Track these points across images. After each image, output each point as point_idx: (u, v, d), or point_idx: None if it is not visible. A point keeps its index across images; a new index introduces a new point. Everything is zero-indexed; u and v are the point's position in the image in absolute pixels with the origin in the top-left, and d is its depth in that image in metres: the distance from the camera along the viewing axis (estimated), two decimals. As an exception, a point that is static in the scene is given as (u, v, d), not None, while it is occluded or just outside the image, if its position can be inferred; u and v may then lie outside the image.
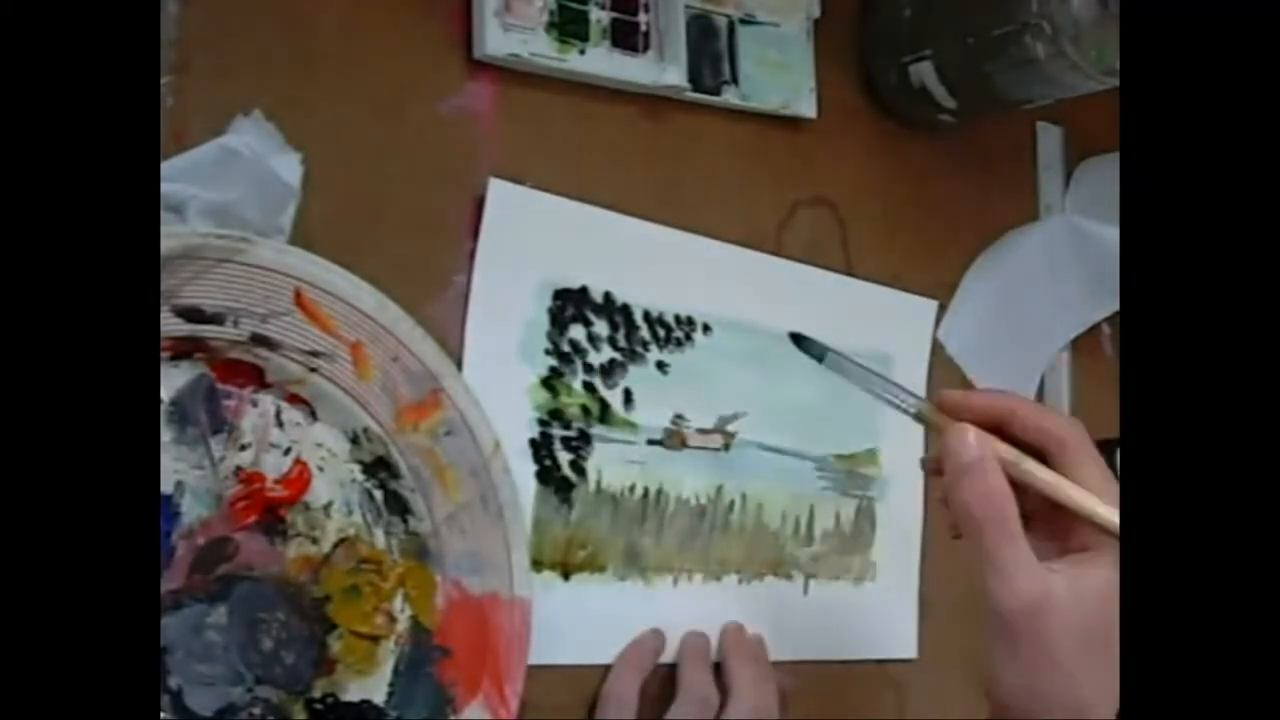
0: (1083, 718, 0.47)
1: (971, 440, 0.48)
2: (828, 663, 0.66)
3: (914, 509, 0.70)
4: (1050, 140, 0.79)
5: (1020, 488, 0.48)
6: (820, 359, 0.55)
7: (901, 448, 0.70)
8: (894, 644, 0.69)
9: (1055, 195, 0.78)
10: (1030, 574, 0.47)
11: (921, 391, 0.71)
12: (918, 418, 0.51)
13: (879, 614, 0.69)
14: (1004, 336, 0.74)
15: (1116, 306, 0.77)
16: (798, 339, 0.56)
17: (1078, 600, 0.47)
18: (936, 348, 0.72)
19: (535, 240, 0.58)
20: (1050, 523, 0.49)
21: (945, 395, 0.51)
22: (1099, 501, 0.48)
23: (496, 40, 0.56)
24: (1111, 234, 0.76)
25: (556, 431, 0.58)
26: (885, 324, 0.70)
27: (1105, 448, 0.78)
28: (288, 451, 0.50)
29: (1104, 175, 0.78)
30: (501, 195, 0.56)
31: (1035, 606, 0.46)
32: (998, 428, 0.49)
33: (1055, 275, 0.76)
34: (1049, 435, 0.49)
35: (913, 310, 0.71)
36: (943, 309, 0.73)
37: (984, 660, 0.49)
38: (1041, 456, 0.49)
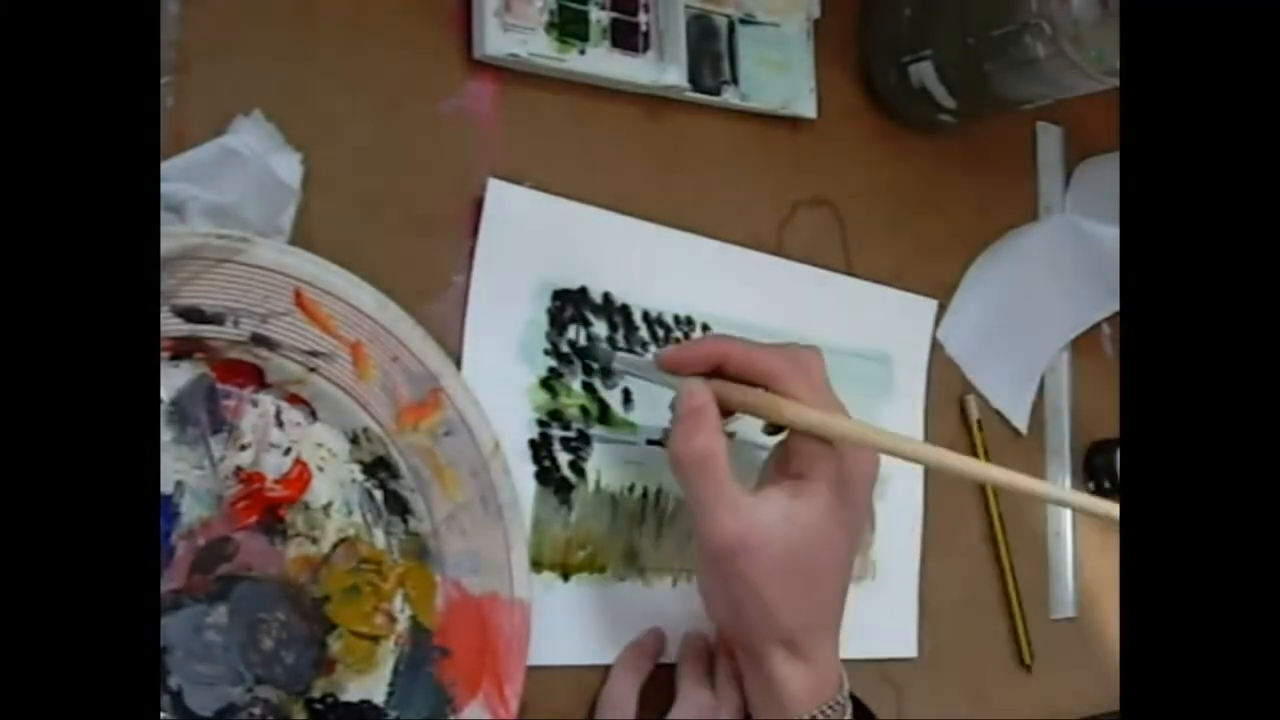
0: (785, 640, 0.52)
1: (689, 390, 0.52)
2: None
3: (913, 509, 0.70)
4: (1050, 140, 0.79)
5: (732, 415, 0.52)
6: (609, 366, 0.59)
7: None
8: (894, 643, 0.69)
9: (1055, 195, 0.78)
10: (734, 513, 0.50)
11: (921, 391, 0.71)
12: (659, 380, 0.55)
13: (879, 613, 0.69)
14: (1004, 336, 0.74)
15: (1116, 306, 0.77)
16: (578, 350, 0.59)
17: (786, 531, 0.50)
18: (936, 347, 0.72)
19: (534, 240, 0.58)
20: (774, 456, 0.53)
21: (662, 353, 0.55)
22: (809, 411, 0.51)
23: (496, 40, 0.56)
24: (1111, 234, 0.76)
25: (556, 432, 0.58)
26: (885, 323, 0.70)
27: (1105, 448, 0.78)
28: (288, 451, 0.50)
29: (1104, 175, 0.78)
30: (500, 195, 0.56)
31: (737, 545, 0.50)
32: (716, 372, 0.53)
33: (1055, 275, 0.76)
34: (760, 369, 0.52)
35: (913, 310, 0.71)
36: (942, 309, 0.73)
37: (699, 591, 0.54)
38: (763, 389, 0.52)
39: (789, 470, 0.52)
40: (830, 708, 0.53)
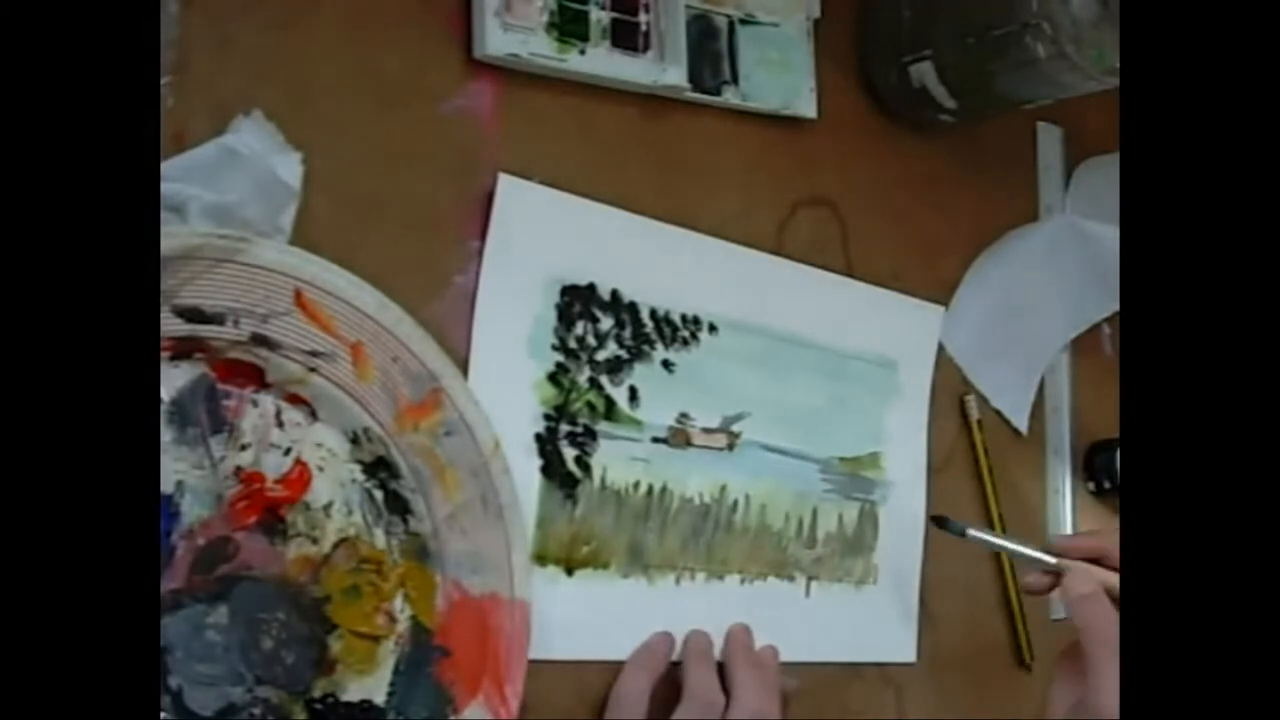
0: None
1: (1083, 575, 0.60)
2: (828, 665, 0.66)
3: (916, 514, 0.70)
4: (1050, 140, 0.79)
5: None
6: (962, 535, 0.65)
7: (904, 453, 0.70)
8: (893, 647, 0.69)
9: (1055, 195, 0.78)
10: None
11: (926, 396, 0.71)
12: (1054, 567, 0.62)
13: (879, 617, 0.69)
14: (1004, 336, 0.74)
15: (1116, 306, 0.77)
16: (939, 521, 0.66)
17: None
18: (937, 348, 0.72)
19: (544, 236, 0.58)
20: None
21: (1057, 541, 0.64)
22: None
23: (496, 40, 0.56)
24: (1111, 234, 0.76)
25: (563, 427, 0.58)
26: (891, 329, 0.70)
27: (1105, 448, 0.78)
28: (288, 451, 0.50)
29: (1104, 175, 0.78)
30: (511, 191, 0.56)
31: None
32: (1095, 561, 0.60)
33: (1055, 275, 0.76)
34: None
35: (918, 315, 0.71)
36: (943, 309, 0.73)
37: None
38: None
39: None
40: None
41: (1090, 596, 0.59)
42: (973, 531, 0.64)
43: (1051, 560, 0.62)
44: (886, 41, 0.69)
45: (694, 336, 0.63)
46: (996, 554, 0.73)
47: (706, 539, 0.62)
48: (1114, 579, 0.60)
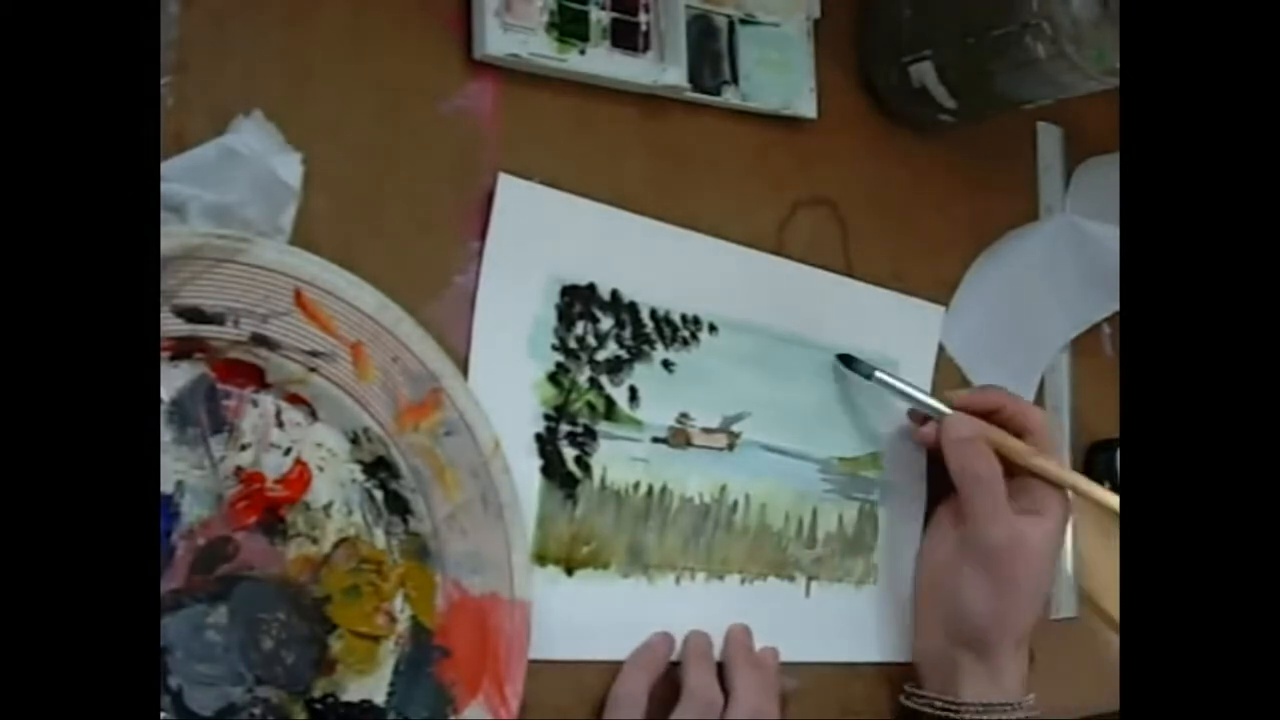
0: (1017, 637, 0.63)
1: (965, 421, 0.65)
2: (828, 665, 0.66)
3: (916, 513, 0.70)
4: (1050, 140, 0.79)
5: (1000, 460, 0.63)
6: (868, 377, 0.66)
7: (904, 452, 0.70)
8: (893, 647, 0.69)
9: (1055, 195, 0.78)
10: (1008, 524, 0.63)
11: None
12: (938, 412, 0.66)
13: (879, 617, 0.69)
14: (1004, 336, 0.74)
15: (1116, 306, 0.77)
16: (846, 360, 0.67)
17: (1034, 548, 0.63)
18: (937, 348, 0.72)
19: (544, 236, 0.58)
20: (1015, 490, 0.64)
21: (952, 395, 0.67)
22: (1056, 465, 0.66)
23: (496, 40, 0.56)
24: (1111, 234, 0.76)
25: (562, 427, 0.58)
26: (891, 328, 0.70)
27: (1105, 448, 0.78)
28: (288, 451, 0.50)
29: (1104, 175, 0.78)
30: (511, 191, 0.56)
31: (1007, 548, 0.62)
32: (986, 416, 0.65)
33: (1055, 275, 0.76)
34: (1023, 422, 0.65)
35: (919, 315, 0.71)
36: (943, 309, 0.73)
37: (953, 593, 0.64)
38: (1018, 436, 0.65)
39: (1026, 504, 0.64)
40: (1027, 701, 0.64)
41: (967, 440, 0.64)
42: (879, 374, 0.66)
43: (948, 410, 0.66)
44: (886, 41, 0.69)
45: (694, 336, 0.63)
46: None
47: (706, 539, 0.62)
48: (995, 432, 0.64)
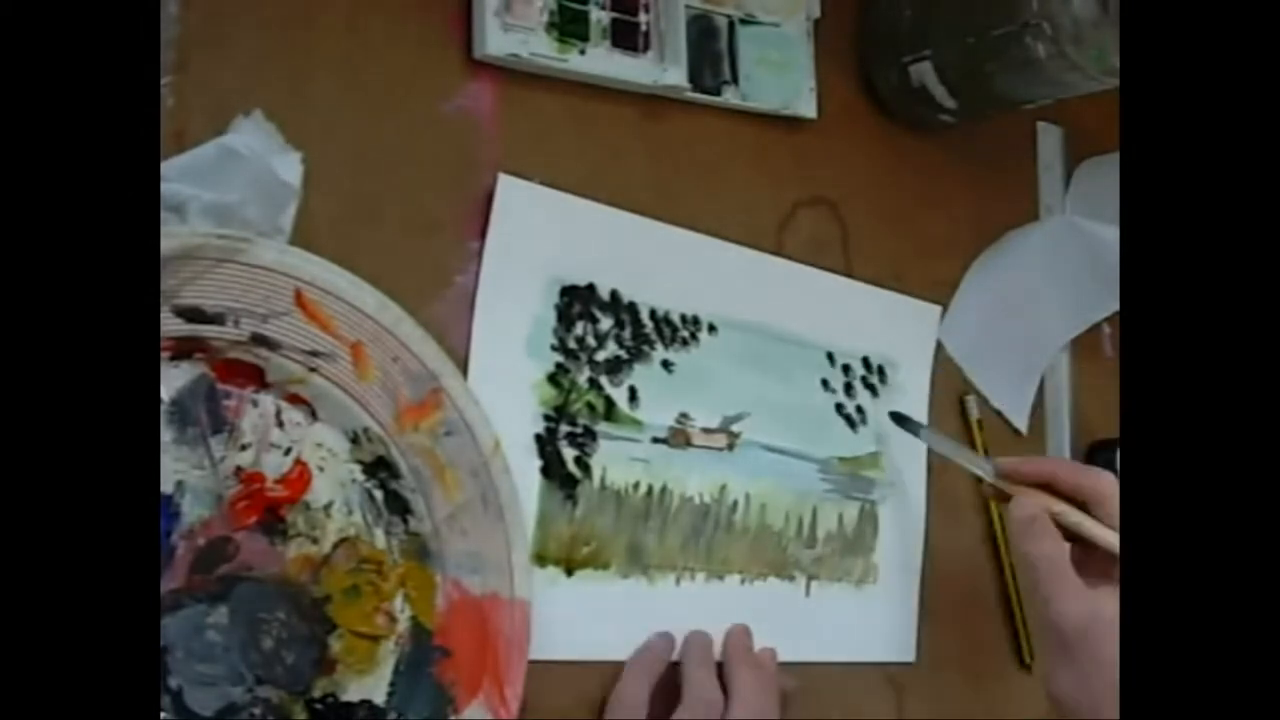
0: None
1: (1027, 501, 0.61)
2: (828, 665, 0.66)
3: (916, 513, 0.70)
4: (1050, 140, 0.79)
5: (1070, 535, 0.60)
6: (916, 434, 0.66)
7: (904, 452, 0.70)
8: (893, 647, 0.69)
9: (1055, 195, 0.78)
10: (1081, 600, 0.58)
11: (925, 396, 0.71)
12: (991, 487, 0.64)
13: (879, 617, 0.69)
14: (1004, 336, 0.74)
15: (1116, 306, 0.77)
16: (898, 419, 0.67)
17: (1113, 617, 0.58)
18: (937, 347, 0.72)
19: (544, 236, 0.58)
20: (1098, 560, 0.60)
21: (1002, 463, 0.64)
22: (1113, 535, 0.60)
23: (496, 40, 0.56)
24: (1111, 234, 0.76)
25: (562, 427, 0.58)
26: (888, 328, 0.70)
27: (1105, 448, 0.78)
28: (288, 451, 0.50)
29: (1104, 175, 0.78)
30: (511, 191, 0.56)
31: (1086, 625, 0.58)
32: (1045, 486, 0.62)
33: (1055, 275, 0.76)
34: (1088, 489, 0.61)
35: (916, 315, 0.71)
36: (942, 309, 0.73)
37: (1046, 674, 0.60)
38: (1083, 507, 0.61)
39: (1092, 573, 0.60)
40: None
41: (1029, 520, 0.61)
42: (927, 431, 0.67)
43: (989, 473, 0.64)
44: (886, 41, 0.69)
45: (694, 336, 0.63)
46: (997, 554, 0.73)
47: (706, 539, 0.62)
48: (1057, 504, 0.61)
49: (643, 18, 0.61)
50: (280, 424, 0.50)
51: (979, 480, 0.68)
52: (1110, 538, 0.60)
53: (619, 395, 0.60)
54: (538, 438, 0.57)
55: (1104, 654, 0.57)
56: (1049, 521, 0.61)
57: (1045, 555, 0.60)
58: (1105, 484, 0.61)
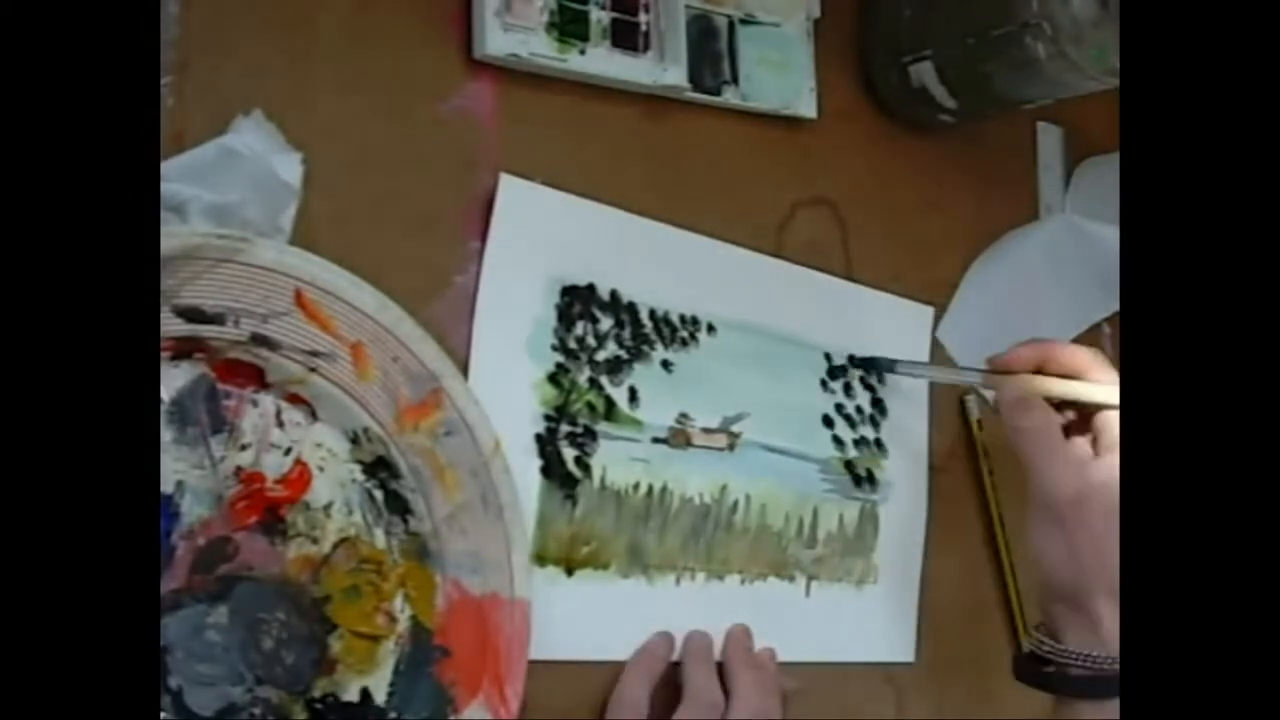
0: (1109, 586, 0.57)
1: (1016, 384, 0.62)
2: (828, 665, 0.66)
3: (916, 513, 0.70)
4: (1050, 140, 0.79)
5: (1061, 406, 0.61)
6: (892, 370, 0.67)
7: (904, 453, 0.70)
8: (893, 647, 0.69)
9: (1055, 195, 0.78)
10: (1075, 470, 0.58)
11: (924, 395, 0.71)
12: (946, 379, 0.66)
13: (879, 617, 0.69)
14: (1004, 336, 0.74)
15: (1116, 306, 0.77)
16: (865, 363, 0.67)
17: (1112, 489, 0.57)
18: (936, 347, 0.72)
19: (544, 236, 0.58)
20: (1086, 430, 0.60)
21: (992, 358, 0.64)
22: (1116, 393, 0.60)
23: (496, 40, 0.56)
24: (1111, 234, 0.76)
25: (562, 427, 0.58)
26: (887, 329, 0.70)
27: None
28: (288, 451, 0.50)
29: (1104, 175, 0.78)
30: (511, 191, 0.56)
31: (1078, 496, 0.58)
32: (1039, 368, 0.62)
33: (1055, 275, 0.76)
34: (1076, 364, 0.61)
35: (910, 316, 0.71)
36: (942, 309, 0.73)
37: (1035, 555, 0.60)
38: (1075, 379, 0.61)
39: (1101, 442, 0.60)
40: None
41: (1015, 401, 0.61)
42: (901, 363, 0.67)
43: (983, 379, 0.64)
44: (886, 41, 0.69)
45: (693, 337, 0.63)
46: (997, 554, 0.73)
47: (706, 539, 0.62)
48: (1050, 384, 0.61)
49: (643, 18, 0.61)
50: (280, 424, 0.50)
51: (966, 394, 0.71)
52: (1103, 394, 0.60)
53: (619, 395, 0.60)
54: (538, 438, 0.57)
55: (1094, 523, 0.58)
56: (1039, 396, 0.61)
57: (1036, 426, 0.60)
58: (1082, 356, 0.62)
